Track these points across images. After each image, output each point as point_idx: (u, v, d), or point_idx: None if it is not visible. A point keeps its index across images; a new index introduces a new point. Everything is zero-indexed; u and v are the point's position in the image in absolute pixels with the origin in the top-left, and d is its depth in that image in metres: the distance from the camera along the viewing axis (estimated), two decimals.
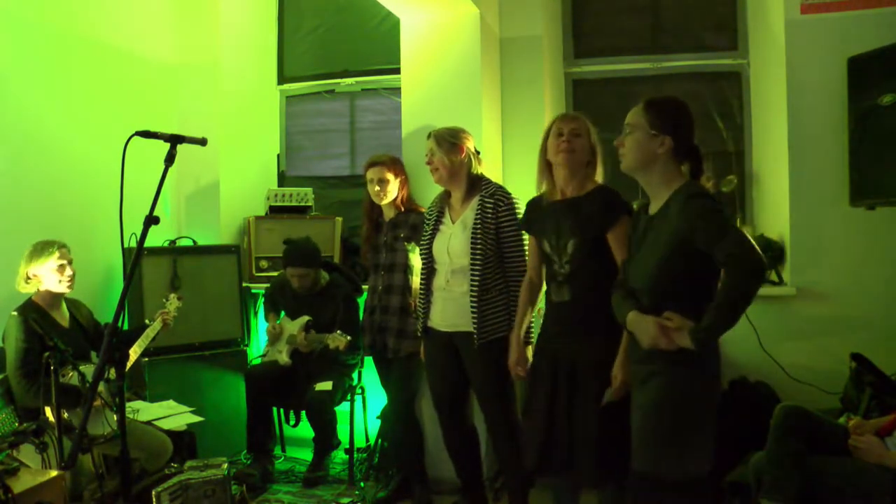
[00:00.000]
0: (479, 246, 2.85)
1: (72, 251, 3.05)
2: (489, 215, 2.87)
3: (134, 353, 3.15)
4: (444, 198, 3.09)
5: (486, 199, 2.90)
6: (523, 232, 2.83)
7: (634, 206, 3.85)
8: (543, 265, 2.66)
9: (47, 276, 2.96)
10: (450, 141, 2.95)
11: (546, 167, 2.58)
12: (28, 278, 2.95)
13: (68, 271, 3.00)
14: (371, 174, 3.43)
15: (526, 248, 2.84)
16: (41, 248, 2.95)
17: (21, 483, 2.11)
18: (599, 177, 2.57)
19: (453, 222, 3.00)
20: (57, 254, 2.96)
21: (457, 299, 2.92)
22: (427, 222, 3.09)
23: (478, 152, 3.06)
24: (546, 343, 2.58)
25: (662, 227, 2.06)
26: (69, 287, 3.02)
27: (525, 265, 2.83)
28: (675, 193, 2.06)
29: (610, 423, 2.32)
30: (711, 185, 3.67)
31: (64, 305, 3.10)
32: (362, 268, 3.92)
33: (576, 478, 2.50)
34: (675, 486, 2.03)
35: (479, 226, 2.87)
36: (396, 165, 3.45)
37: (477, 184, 2.98)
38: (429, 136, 3.03)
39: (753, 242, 1.93)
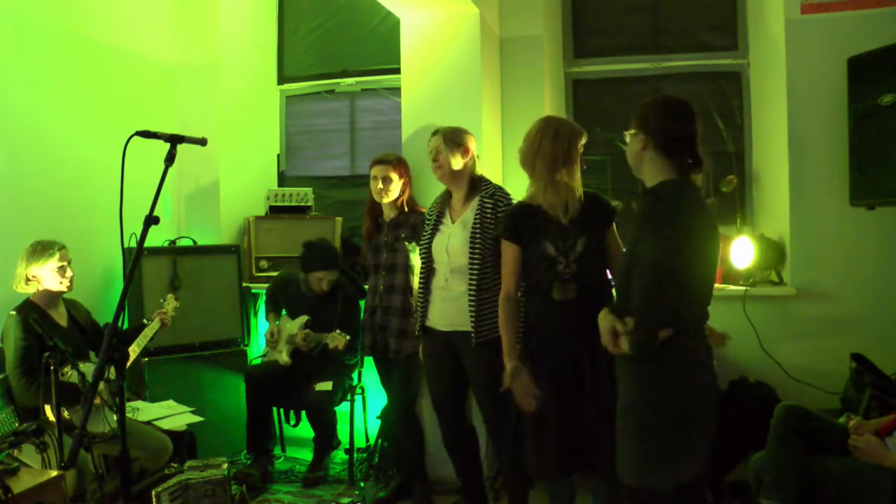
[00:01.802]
0: (477, 246, 2.86)
1: (71, 251, 3.05)
2: (488, 216, 2.88)
3: (133, 352, 3.16)
4: (445, 198, 3.09)
5: (486, 200, 2.91)
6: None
7: (634, 206, 3.90)
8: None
9: (48, 277, 2.95)
10: (456, 142, 2.99)
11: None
12: (28, 279, 2.94)
13: (69, 272, 3.00)
14: (375, 171, 3.43)
15: None
16: (42, 250, 2.95)
17: (21, 483, 2.11)
18: None
19: (453, 222, 3.01)
20: (57, 255, 2.96)
21: (455, 299, 2.92)
22: (427, 222, 3.10)
23: (477, 154, 3.08)
24: (545, 346, 2.52)
25: (631, 225, 2.14)
26: (69, 288, 3.02)
27: None
28: None
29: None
30: (701, 181, 3.69)
31: (62, 305, 3.10)
32: (362, 267, 3.92)
33: (604, 476, 2.46)
34: (635, 494, 2.03)
35: (478, 226, 2.88)
36: (401, 166, 3.46)
37: (477, 185, 3.00)
38: (435, 133, 3.04)
39: (666, 250, 1.94)
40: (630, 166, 2.21)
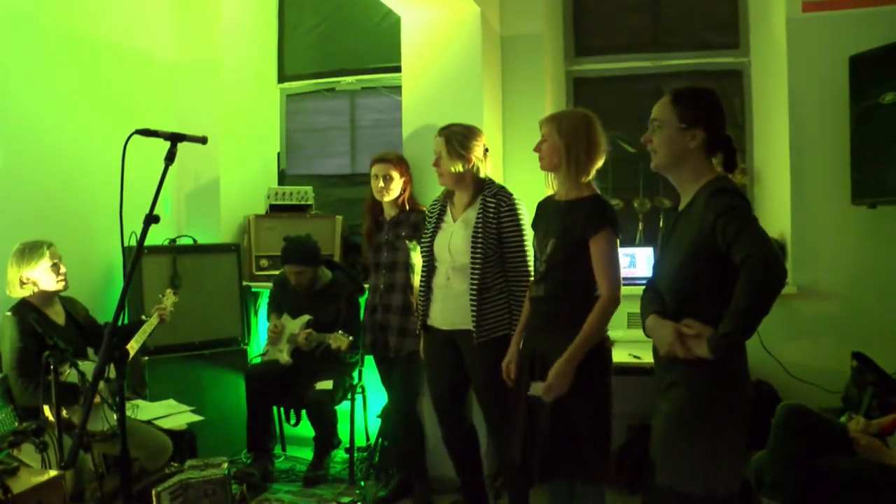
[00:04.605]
0: (479, 245, 2.85)
1: (71, 250, 3.05)
2: (491, 215, 2.87)
3: (131, 349, 3.14)
4: (448, 196, 3.08)
5: (489, 199, 2.90)
6: (524, 232, 2.87)
7: (635, 205, 3.91)
8: None
9: (43, 278, 2.93)
10: (458, 151, 2.90)
11: None
12: (23, 282, 2.90)
13: (62, 269, 2.97)
14: (376, 170, 3.43)
15: (529, 248, 2.83)
16: (31, 250, 2.90)
17: (21, 483, 2.10)
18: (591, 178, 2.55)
19: (455, 220, 2.99)
20: (48, 254, 2.92)
21: (457, 297, 2.91)
22: (429, 220, 3.09)
23: (486, 150, 2.99)
24: (528, 339, 2.63)
25: (687, 224, 1.94)
26: (65, 286, 3.00)
27: (526, 265, 2.84)
28: (702, 188, 1.94)
29: (563, 417, 2.39)
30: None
31: (58, 303, 3.08)
32: (363, 266, 3.92)
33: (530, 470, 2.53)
34: (698, 503, 1.90)
35: (480, 225, 2.87)
36: (402, 164, 3.46)
37: (482, 186, 2.97)
38: (439, 134, 2.97)
39: (773, 244, 1.82)
40: (660, 163, 1.98)
